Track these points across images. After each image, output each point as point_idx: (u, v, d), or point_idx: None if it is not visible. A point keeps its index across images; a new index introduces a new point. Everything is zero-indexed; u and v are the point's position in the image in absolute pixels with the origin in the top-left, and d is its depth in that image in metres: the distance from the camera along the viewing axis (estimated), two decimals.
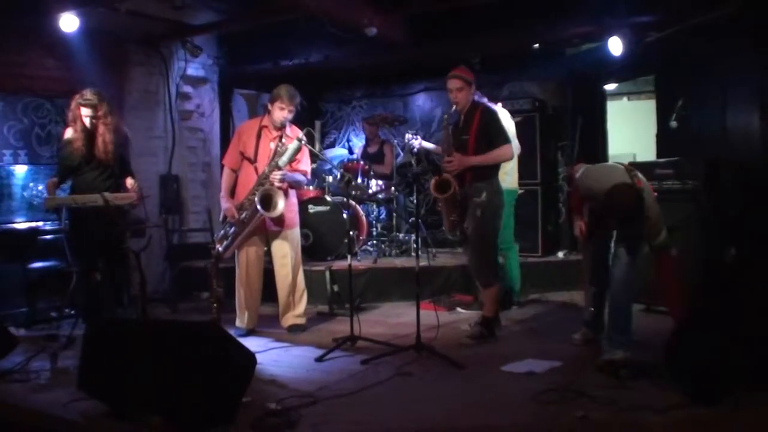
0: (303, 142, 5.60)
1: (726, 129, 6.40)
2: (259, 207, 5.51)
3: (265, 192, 5.57)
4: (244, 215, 5.67)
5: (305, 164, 5.92)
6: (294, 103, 5.71)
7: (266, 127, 5.81)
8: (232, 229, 5.76)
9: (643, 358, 4.52)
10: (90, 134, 5.84)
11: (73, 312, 5.73)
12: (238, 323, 5.91)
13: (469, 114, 5.47)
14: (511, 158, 5.59)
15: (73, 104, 5.86)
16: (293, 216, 5.90)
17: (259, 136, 5.79)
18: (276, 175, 5.60)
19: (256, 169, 5.75)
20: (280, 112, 5.69)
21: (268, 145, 5.78)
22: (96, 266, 5.83)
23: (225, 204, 5.81)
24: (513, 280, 6.65)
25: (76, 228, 5.73)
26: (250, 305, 5.91)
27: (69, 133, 5.90)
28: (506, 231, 6.42)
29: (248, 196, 5.66)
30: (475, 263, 5.57)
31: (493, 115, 5.54)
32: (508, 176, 6.33)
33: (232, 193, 5.90)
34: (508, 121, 6.33)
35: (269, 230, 5.80)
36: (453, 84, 5.46)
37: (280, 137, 5.73)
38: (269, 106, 5.76)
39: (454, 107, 5.55)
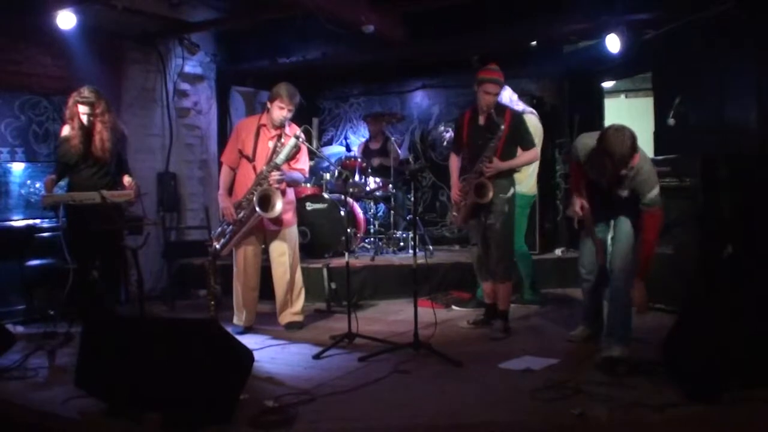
0: (300, 140, 5.60)
1: (724, 126, 6.40)
2: (257, 208, 5.50)
3: (263, 192, 5.55)
4: (242, 214, 5.65)
5: (303, 162, 5.90)
6: (294, 102, 5.67)
7: (265, 125, 5.77)
8: (230, 228, 5.75)
9: (641, 355, 4.54)
10: (87, 132, 5.84)
11: (70, 309, 5.72)
12: (235, 321, 5.91)
13: (497, 116, 5.46)
14: (536, 161, 5.81)
15: (71, 102, 5.85)
16: (291, 215, 5.89)
17: (257, 135, 5.75)
18: (275, 176, 5.59)
19: (254, 168, 5.72)
20: (280, 111, 5.65)
21: (267, 143, 5.74)
22: (93, 264, 5.84)
23: (223, 203, 5.79)
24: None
25: (73, 225, 5.73)
26: (248, 303, 5.90)
27: (66, 130, 5.90)
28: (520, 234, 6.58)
29: (246, 196, 5.64)
30: (499, 257, 5.62)
31: (523, 119, 5.73)
32: (530, 179, 6.37)
33: (231, 191, 5.89)
34: (537, 125, 6.41)
35: (267, 229, 5.79)
36: (492, 89, 5.46)
37: (279, 136, 5.71)
38: (268, 105, 5.72)
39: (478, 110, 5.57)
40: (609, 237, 4.98)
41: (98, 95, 5.87)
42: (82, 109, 5.80)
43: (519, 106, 6.34)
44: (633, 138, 4.39)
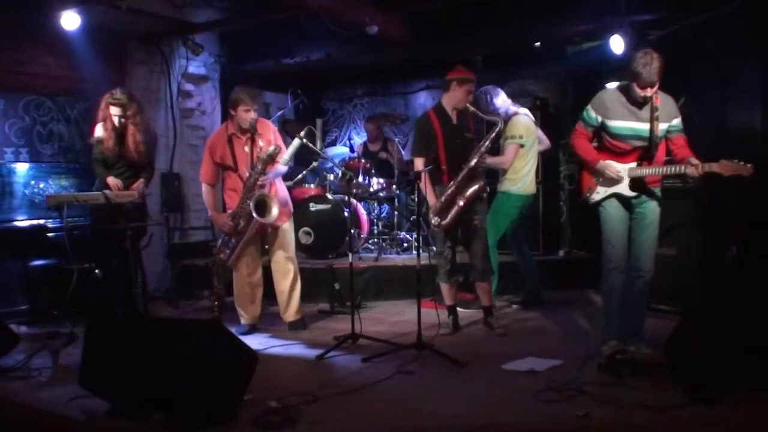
0: (303, 141, 5.62)
1: (727, 128, 6.39)
2: (254, 215, 5.53)
3: (258, 199, 5.59)
4: (241, 225, 5.68)
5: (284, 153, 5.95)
6: (257, 101, 5.76)
7: (234, 133, 5.79)
8: (231, 241, 5.80)
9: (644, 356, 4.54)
10: (120, 133, 5.96)
11: (74, 309, 5.74)
12: (242, 321, 5.93)
13: (464, 114, 5.68)
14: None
15: (103, 104, 6.01)
16: (286, 210, 5.92)
17: (231, 145, 5.78)
18: (260, 180, 5.61)
19: (240, 176, 5.77)
20: (246, 114, 5.67)
21: (244, 149, 5.77)
22: (98, 264, 5.88)
23: (218, 220, 5.84)
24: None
25: (96, 225, 5.88)
26: (253, 300, 5.95)
27: (99, 131, 6.07)
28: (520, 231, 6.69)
29: (241, 205, 5.67)
30: (484, 253, 5.67)
31: None
32: (525, 179, 6.38)
33: (221, 204, 5.98)
34: (530, 124, 6.42)
35: (266, 229, 5.81)
36: (473, 88, 5.67)
37: (252, 137, 5.76)
38: (232, 112, 5.74)
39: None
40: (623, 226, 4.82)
41: (130, 97, 6.05)
42: (114, 111, 5.93)
43: (513, 107, 6.35)
44: None
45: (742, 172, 4.39)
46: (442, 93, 5.76)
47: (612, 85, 4.91)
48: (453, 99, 5.62)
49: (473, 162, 5.47)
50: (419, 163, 5.67)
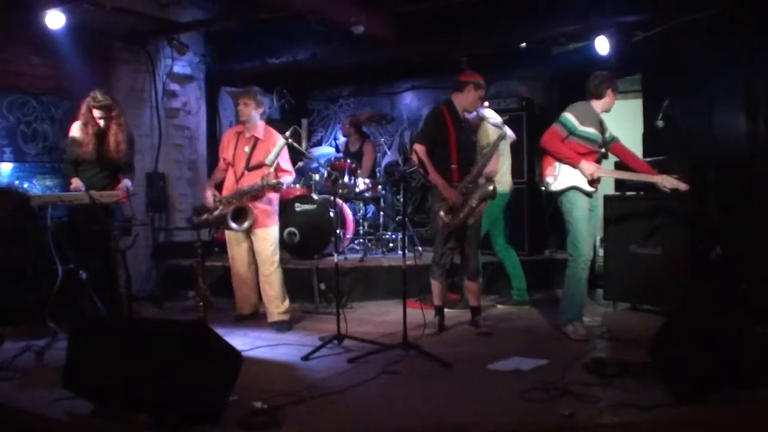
0: (288, 141, 5.62)
1: (712, 128, 6.43)
2: (229, 219, 5.73)
3: (238, 207, 5.77)
4: (217, 212, 5.89)
5: (285, 163, 6.07)
6: (249, 96, 5.98)
7: (241, 133, 6.09)
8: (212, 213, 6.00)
9: (629, 356, 4.55)
10: (101, 135, 5.93)
11: (58, 310, 5.70)
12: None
13: (466, 119, 5.76)
14: None
15: (84, 107, 6.00)
16: (264, 217, 5.99)
17: (236, 142, 6.09)
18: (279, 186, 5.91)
19: (234, 172, 6.05)
20: (243, 108, 5.99)
21: (243, 149, 6.03)
22: (88, 264, 5.85)
23: (207, 191, 6.12)
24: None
25: (64, 225, 5.80)
26: (238, 292, 6.32)
27: (76, 131, 6.02)
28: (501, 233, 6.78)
29: (228, 198, 5.94)
30: (476, 254, 5.74)
31: None
32: (504, 177, 6.41)
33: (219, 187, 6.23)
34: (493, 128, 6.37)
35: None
36: (484, 94, 5.80)
37: (255, 141, 5.98)
38: None
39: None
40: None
41: (113, 98, 6.11)
42: (98, 114, 5.94)
43: (481, 113, 6.32)
44: None
45: (679, 187, 5.26)
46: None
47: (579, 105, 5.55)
48: (465, 101, 5.63)
49: (482, 164, 5.52)
50: (420, 150, 5.56)
